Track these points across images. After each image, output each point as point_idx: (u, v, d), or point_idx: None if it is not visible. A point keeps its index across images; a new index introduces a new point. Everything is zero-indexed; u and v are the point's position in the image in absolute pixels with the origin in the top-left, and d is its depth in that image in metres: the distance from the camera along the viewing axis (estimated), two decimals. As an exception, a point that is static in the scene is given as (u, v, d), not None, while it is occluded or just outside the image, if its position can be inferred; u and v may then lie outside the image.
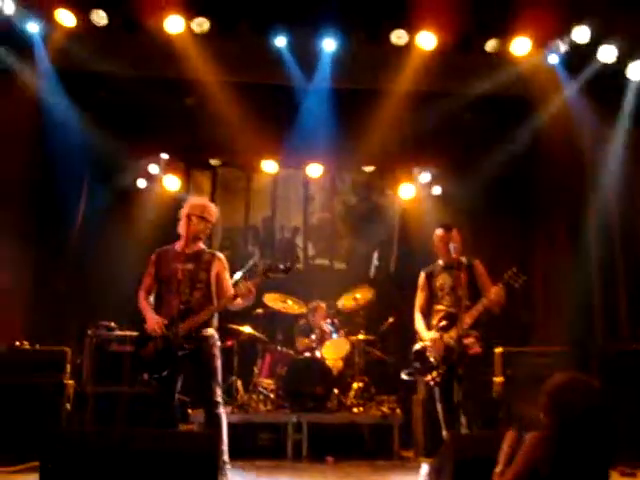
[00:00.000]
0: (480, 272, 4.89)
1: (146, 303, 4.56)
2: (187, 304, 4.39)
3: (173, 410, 4.40)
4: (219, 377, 4.47)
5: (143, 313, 4.52)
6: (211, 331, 4.51)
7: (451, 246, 4.79)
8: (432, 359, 4.75)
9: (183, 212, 4.59)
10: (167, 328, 4.39)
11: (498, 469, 2.78)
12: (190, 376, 4.48)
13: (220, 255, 4.67)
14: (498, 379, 6.01)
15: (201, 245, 4.65)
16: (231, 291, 4.47)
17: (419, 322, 4.97)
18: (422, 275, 5.09)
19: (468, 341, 4.65)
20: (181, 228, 4.57)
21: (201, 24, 6.15)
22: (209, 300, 4.50)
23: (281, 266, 4.52)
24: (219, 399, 4.41)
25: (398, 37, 6.22)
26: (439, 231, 4.97)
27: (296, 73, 6.64)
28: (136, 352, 4.51)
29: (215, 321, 4.58)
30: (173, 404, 4.41)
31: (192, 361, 4.38)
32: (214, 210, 4.69)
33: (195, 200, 4.72)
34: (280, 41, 6.29)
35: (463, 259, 4.91)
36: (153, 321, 4.42)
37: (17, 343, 5.86)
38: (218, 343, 4.55)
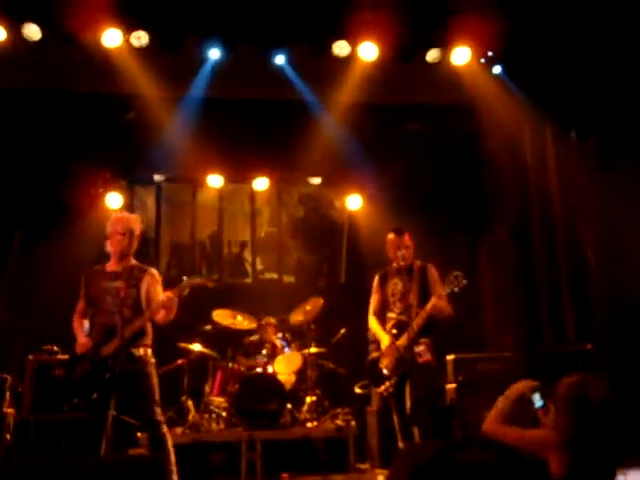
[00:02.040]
0: (433, 277, 4.86)
1: (78, 325, 4.44)
2: (114, 323, 4.24)
3: (111, 434, 4.23)
4: (156, 396, 4.30)
5: (75, 336, 4.38)
6: (145, 351, 4.34)
7: (399, 253, 4.78)
8: (384, 370, 4.71)
9: (108, 229, 4.47)
10: (93, 349, 4.25)
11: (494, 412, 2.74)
12: (128, 396, 4.29)
13: (152, 270, 4.54)
14: (450, 386, 6.03)
15: (132, 261, 4.51)
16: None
17: (374, 323, 4.92)
18: (376, 278, 5.05)
19: (419, 349, 4.64)
20: (108, 246, 4.46)
21: (140, 38, 6.06)
22: (140, 316, 4.33)
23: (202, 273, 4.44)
24: (159, 418, 4.26)
25: (340, 48, 6.25)
26: (391, 235, 4.94)
27: (236, 86, 6.58)
28: (66, 375, 4.35)
29: (148, 340, 4.40)
30: (106, 427, 4.22)
31: (125, 383, 4.20)
32: (137, 222, 4.54)
33: (116, 215, 4.60)
34: (216, 54, 6.23)
35: (417, 262, 4.90)
36: (81, 343, 4.29)
37: (-47, 372, 5.59)
38: (152, 361, 4.38)
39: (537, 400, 2.72)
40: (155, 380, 4.32)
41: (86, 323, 4.46)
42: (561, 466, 2.55)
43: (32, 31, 5.80)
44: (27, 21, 5.75)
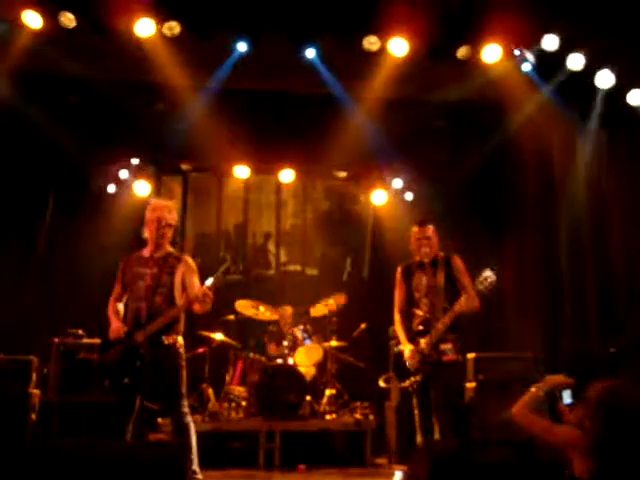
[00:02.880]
0: (459, 268, 4.79)
1: (113, 310, 4.48)
2: (147, 310, 4.28)
3: (136, 419, 4.27)
4: (183, 388, 4.34)
5: (109, 320, 4.44)
6: (174, 339, 4.36)
7: (422, 246, 4.75)
8: (409, 365, 4.70)
9: (146, 216, 4.51)
10: (127, 335, 4.30)
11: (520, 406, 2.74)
12: (156, 384, 4.29)
13: (187, 258, 4.55)
14: (470, 385, 6.02)
15: (168, 248, 4.55)
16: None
17: (398, 326, 4.87)
18: (399, 271, 4.97)
19: (445, 347, 4.62)
20: (145, 232, 4.50)
21: (172, 28, 6.09)
22: (171, 305, 4.36)
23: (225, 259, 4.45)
24: (185, 409, 4.31)
25: (370, 43, 6.23)
26: (414, 227, 4.89)
27: (268, 78, 6.60)
28: (99, 359, 4.41)
29: (180, 327, 4.43)
30: (135, 413, 4.26)
31: (154, 370, 4.21)
32: (173, 210, 4.57)
33: (156, 203, 4.61)
34: (248, 46, 6.25)
35: (441, 254, 4.84)
36: (114, 328, 4.34)
37: (-20, 352, 5.72)
38: (182, 351, 4.41)
39: (567, 397, 2.73)
40: (183, 372, 4.35)
41: (120, 307, 4.50)
42: (585, 469, 2.55)
43: (68, 19, 5.86)
44: (63, 9, 5.80)
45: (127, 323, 4.37)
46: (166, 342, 4.31)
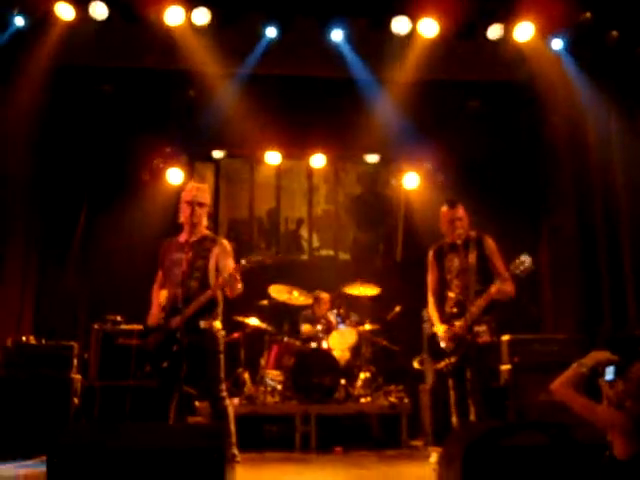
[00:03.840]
0: (491, 249, 4.72)
1: (155, 295, 4.55)
2: (183, 295, 4.29)
3: (177, 403, 4.34)
4: (221, 372, 4.37)
5: (151, 305, 4.52)
6: (210, 323, 4.36)
7: (453, 226, 4.68)
8: (443, 346, 4.68)
9: (182, 197, 4.53)
10: (164, 321, 4.36)
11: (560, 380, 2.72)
12: (194, 369, 4.33)
13: (223, 240, 4.55)
14: (505, 367, 6.00)
15: (204, 231, 4.54)
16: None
17: (432, 309, 4.84)
18: (430, 253, 4.92)
19: (480, 329, 4.58)
20: (181, 217, 4.50)
21: (202, 15, 6.13)
22: (206, 288, 4.35)
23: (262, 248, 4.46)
24: (223, 394, 4.34)
25: (399, 24, 6.18)
26: (444, 208, 4.82)
27: (297, 63, 6.60)
28: (140, 344, 4.49)
29: (218, 311, 4.43)
30: (174, 396, 4.32)
31: (192, 355, 4.24)
32: (205, 191, 4.58)
33: (188, 186, 4.64)
34: (278, 31, 6.25)
35: (472, 234, 4.76)
36: (152, 314, 4.42)
37: (23, 338, 5.87)
38: (220, 335, 4.41)
39: (609, 373, 2.68)
40: (220, 356, 4.37)
41: (164, 293, 4.54)
42: (626, 451, 2.52)
43: (99, 10, 5.93)
44: (94, 0, 5.87)
45: (165, 309, 4.43)
46: (202, 326, 4.33)
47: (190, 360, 4.25)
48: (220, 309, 4.48)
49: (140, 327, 4.80)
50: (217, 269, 4.41)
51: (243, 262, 4.31)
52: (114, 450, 2.96)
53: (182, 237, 4.51)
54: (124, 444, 2.97)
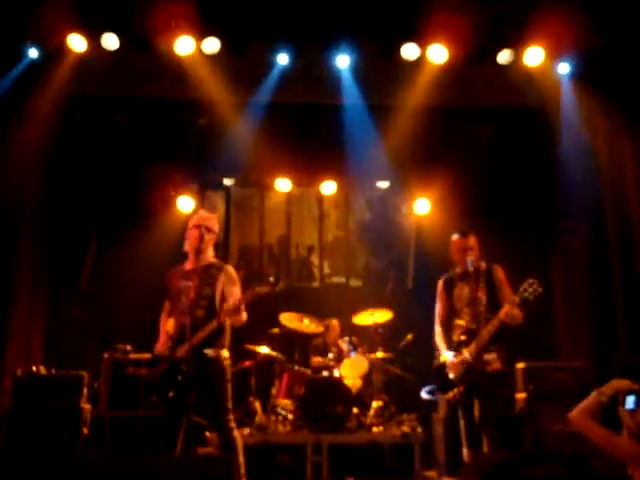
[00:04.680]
0: (500, 279, 4.70)
1: (163, 324, 4.53)
2: (191, 324, 4.24)
3: (183, 432, 4.27)
4: (228, 402, 4.30)
5: (159, 334, 4.50)
6: (216, 352, 4.32)
7: (469, 259, 4.68)
8: (452, 376, 4.62)
9: (189, 225, 4.52)
10: (170, 350, 4.32)
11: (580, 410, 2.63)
12: (201, 398, 4.31)
13: (229, 268, 4.50)
14: (520, 395, 5.89)
15: (210, 259, 4.51)
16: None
17: (439, 338, 4.81)
18: (440, 283, 4.91)
19: (489, 357, 4.53)
20: (186, 245, 4.48)
21: (211, 44, 6.19)
22: (213, 317, 4.30)
23: (270, 279, 4.42)
24: (231, 425, 4.28)
25: (409, 51, 6.21)
26: (455, 237, 4.80)
27: (306, 90, 6.63)
28: (147, 373, 4.46)
29: (224, 341, 4.39)
30: (182, 426, 4.26)
31: (198, 384, 4.21)
32: (212, 219, 4.56)
33: (196, 214, 4.65)
34: (287, 59, 6.30)
35: (482, 264, 4.75)
36: (160, 343, 4.41)
37: (34, 368, 5.85)
38: (227, 364, 4.36)
39: (630, 402, 2.61)
40: (227, 385, 4.31)
41: (172, 321, 4.51)
42: None
43: (110, 41, 6.01)
44: (106, 31, 5.95)
45: (173, 337, 4.39)
46: (209, 356, 4.29)
47: (197, 389, 4.21)
48: (227, 338, 4.43)
49: (149, 356, 4.74)
50: (223, 297, 4.37)
51: (248, 293, 4.27)
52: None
53: (187, 265, 4.48)
54: (130, 476, 2.92)
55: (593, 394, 2.65)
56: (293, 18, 6.13)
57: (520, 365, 5.91)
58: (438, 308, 4.88)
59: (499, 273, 4.74)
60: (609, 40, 5.89)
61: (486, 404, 4.47)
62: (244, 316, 4.33)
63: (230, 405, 4.33)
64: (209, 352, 4.30)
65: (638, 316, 6.46)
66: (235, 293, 4.33)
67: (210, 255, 4.52)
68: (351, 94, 6.69)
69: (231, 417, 4.32)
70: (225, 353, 4.39)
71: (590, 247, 6.93)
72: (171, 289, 4.48)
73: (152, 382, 4.39)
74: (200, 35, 6.14)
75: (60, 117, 6.57)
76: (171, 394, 4.20)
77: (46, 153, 6.65)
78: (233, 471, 3.78)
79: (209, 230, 4.46)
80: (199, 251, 4.41)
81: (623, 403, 2.61)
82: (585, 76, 6.44)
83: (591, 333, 6.84)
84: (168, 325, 4.51)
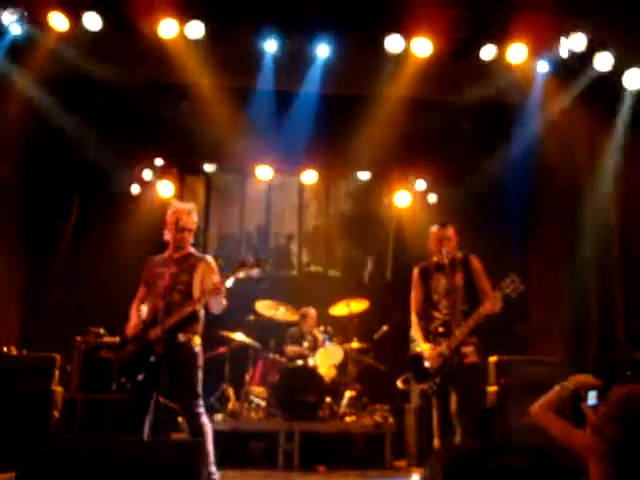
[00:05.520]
0: (476, 268, 4.72)
1: (134, 309, 4.51)
2: (165, 307, 4.22)
3: (153, 417, 4.25)
4: (198, 388, 4.30)
5: (129, 318, 4.47)
6: (189, 337, 4.32)
7: (444, 250, 4.68)
8: (428, 366, 4.63)
9: (167, 219, 4.51)
10: (142, 332, 4.31)
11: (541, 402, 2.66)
12: (171, 382, 4.25)
13: (208, 258, 4.54)
14: (492, 388, 5.94)
15: (190, 249, 4.55)
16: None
17: (416, 327, 4.78)
18: (416, 272, 4.89)
19: (467, 349, 4.54)
20: (167, 235, 4.48)
21: (195, 28, 6.13)
22: (189, 303, 4.31)
23: (251, 260, 4.42)
24: (200, 410, 4.26)
25: (393, 43, 6.19)
26: (434, 228, 4.82)
27: (289, 78, 6.60)
28: (115, 355, 4.42)
29: (198, 328, 4.40)
30: (149, 410, 4.23)
31: (169, 367, 4.16)
32: (192, 215, 4.54)
33: (175, 206, 4.60)
34: (272, 46, 6.26)
35: (458, 255, 4.76)
36: (131, 325, 4.38)
37: (5, 349, 5.80)
38: (198, 350, 4.35)
39: (592, 398, 2.64)
40: (198, 371, 4.31)
41: (144, 308, 4.51)
42: (602, 476, 2.47)
43: (92, 21, 5.92)
44: (88, 10, 5.87)
45: (146, 320, 4.38)
46: (181, 340, 4.29)
47: (167, 373, 4.18)
48: (201, 326, 4.44)
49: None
50: (203, 285, 4.37)
51: (239, 268, 4.29)
52: (87, 464, 2.90)
53: (167, 253, 4.50)
54: (96, 458, 2.91)
55: (556, 388, 2.68)
56: (278, 5, 6.09)
57: (492, 359, 5.95)
58: (414, 297, 4.87)
59: (475, 263, 4.76)
60: (589, 37, 5.93)
61: (464, 396, 4.48)
62: (224, 301, 4.32)
63: (200, 391, 4.33)
64: (181, 336, 4.29)
65: (613, 311, 6.55)
66: (215, 281, 4.31)
67: (190, 246, 4.56)
68: (334, 84, 6.66)
69: (200, 403, 4.30)
70: (197, 340, 4.39)
71: (566, 242, 6.99)
72: (149, 276, 4.49)
73: (121, 364, 4.37)
74: (184, 18, 6.07)
75: (39, 97, 6.49)
76: (141, 377, 4.18)
77: (23, 134, 6.56)
78: (200, 456, 3.77)
79: (187, 227, 4.47)
80: (178, 244, 4.45)
81: (586, 398, 2.64)
82: (568, 75, 6.48)
83: (566, 328, 6.91)
84: (142, 310, 4.50)
